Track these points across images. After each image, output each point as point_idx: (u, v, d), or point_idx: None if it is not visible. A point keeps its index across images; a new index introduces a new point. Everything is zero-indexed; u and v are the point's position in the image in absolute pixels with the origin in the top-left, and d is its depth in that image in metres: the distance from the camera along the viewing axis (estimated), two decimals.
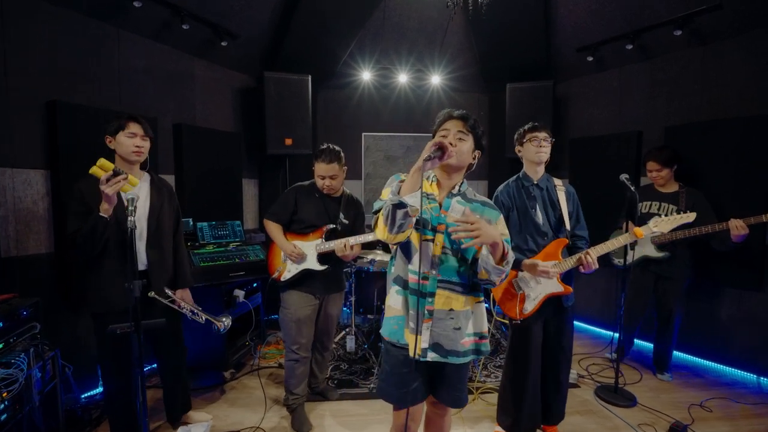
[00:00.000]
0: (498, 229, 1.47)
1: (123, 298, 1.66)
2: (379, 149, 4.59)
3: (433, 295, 1.46)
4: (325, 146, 2.31)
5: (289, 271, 2.33)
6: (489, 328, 1.57)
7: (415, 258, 1.48)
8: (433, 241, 1.47)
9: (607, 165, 3.59)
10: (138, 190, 1.98)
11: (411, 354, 1.45)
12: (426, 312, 1.46)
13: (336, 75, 4.24)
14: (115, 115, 2.04)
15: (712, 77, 3.07)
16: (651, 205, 2.93)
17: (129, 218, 1.58)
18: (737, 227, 2.46)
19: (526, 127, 2.19)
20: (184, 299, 2.14)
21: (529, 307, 2.10)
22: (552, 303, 2.13)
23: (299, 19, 3.54)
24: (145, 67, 3.02)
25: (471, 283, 1.51)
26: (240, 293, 2.92)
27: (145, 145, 2.00)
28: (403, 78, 4.31)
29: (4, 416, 1.71)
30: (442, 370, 1.55)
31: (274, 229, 2.37)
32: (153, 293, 2.04)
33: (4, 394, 1.66)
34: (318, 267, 2.32)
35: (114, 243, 1.90)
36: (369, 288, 3.37)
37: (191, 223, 3.16)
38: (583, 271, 2.07)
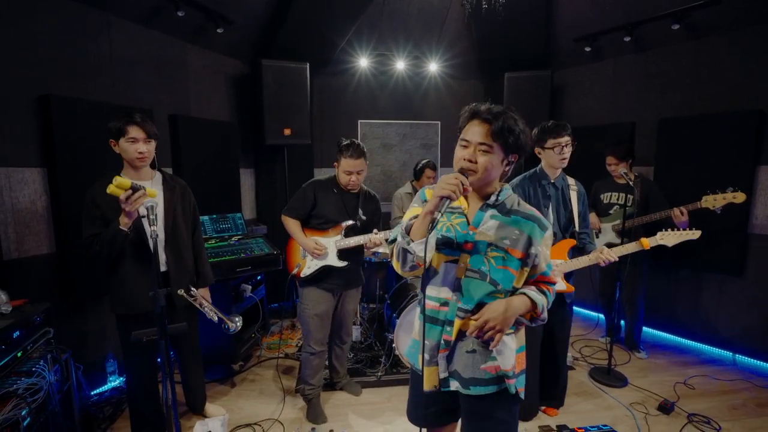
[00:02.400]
0: (540, 251, 1.25)
1: (146, 300, 1.67)
2: (376, 137, 4.56)
3: (451, 323, 1.27)
4: (349, 141, 2.27)
5: (308, 267, 2.33)
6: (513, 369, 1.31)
7: (435, 281, 1.30)
8: (457, 262, 1.27)
9: (601, 156, 3.69)
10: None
11: (425, 387, 1.30)
12: (443, 342, 1.28)
13: (333, 61, 4.14)
14: (116, 115, 1.90)
15: (705, 72, 3.16)
16: (611, 196, 3.19)
17: (151, 227, 1.56)
18: (678, 215, 2.70)
19: (547, 126, 2.14)
20: (204, 297, 2.15)
21: None
22: (555, 299, 2.22)
23: (297, 4, 3.42)
24: (138, 55, 2.88)
25: None
26: (247, 287, 2.94)
27: (149, 149, 1.92)
28: (400, 65, 4.25)
29: (27, 421, 1.72)
30: (466, 403, 1.32)
31: (292, 224, 2.35)
32: (182, 291, 2.06)
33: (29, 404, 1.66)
34: (338, 263, 2.33)
35: (133, 246, 1.88)
36: (372, 278, 3.44)
37: None
38: (603, 265, 2.15)
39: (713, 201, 2.61)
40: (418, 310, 1.39)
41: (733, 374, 2.93)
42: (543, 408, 2.49)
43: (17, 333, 1.76)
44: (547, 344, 2.34)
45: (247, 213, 4.03)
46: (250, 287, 2.95)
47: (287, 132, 3.60)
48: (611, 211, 3.19)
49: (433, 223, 1.15)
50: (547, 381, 2.43)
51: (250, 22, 3.45)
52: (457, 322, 1.27)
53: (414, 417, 1.47)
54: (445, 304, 1.29)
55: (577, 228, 2.25)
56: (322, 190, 2.35)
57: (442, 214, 1.16)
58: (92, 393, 2.58)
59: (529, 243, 1.26)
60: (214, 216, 3.20)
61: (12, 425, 1.60)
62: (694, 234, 2.25)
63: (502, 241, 1.24)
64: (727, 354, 3.20)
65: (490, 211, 1.28)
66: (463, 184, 1.16)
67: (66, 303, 2.46)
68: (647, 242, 2.23)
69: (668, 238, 2.25)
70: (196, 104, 3.41)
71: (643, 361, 3.14)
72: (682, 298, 3.43)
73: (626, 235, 3.00)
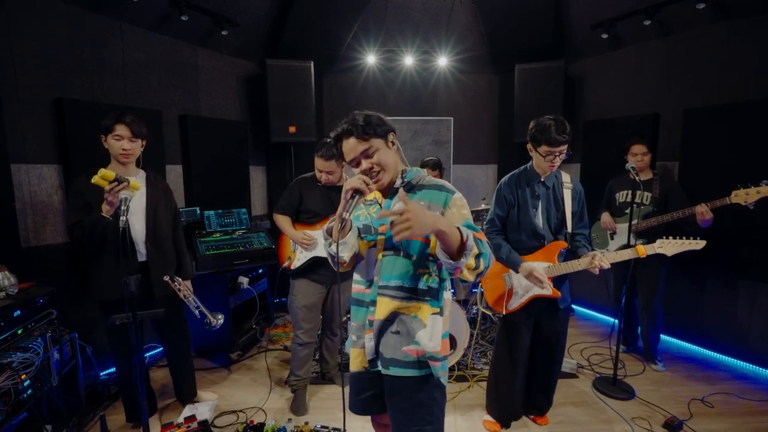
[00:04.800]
0: (449, 214, 1.25)
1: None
2: None
3: (374, 303, 1.31)
4: (326, 140, 2.32)
5: (298, 259, 2.43)
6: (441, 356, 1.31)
7: (361, 266, 1.39)
8: (376, 245, 1.34)
9: (622, 149, 3.42)
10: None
11: (353, 368, 1.36)
12: (368, 322, 1.33)
13: (341, 58, 4.18)
14: (108, 113, 2.03)
15: (736, 56, 2.83)
16: (627, 194, 2.94)
17: (121, 218, 1.66)
18: (702, 212, 2.44)
19: (545, 128, 1.92)
20: (188, 289, 2.25)
21: (515, 303, 2.09)
22: (547, 303, 2.10)
23: (299, 1, 3.49)
24: (149, 59, 3.08)
25: (423, 288, 1.28)
26: (244, 280, 3.04)
27: (133, 147, 2.03)
28: (408, 60, 4.20)
29: (28, 392, 1.90)
30: (388, 384, 1.33)
31: (283, 221, 2.47)
32: (167, 277, 2.19)
33: (23, 376, 1.84)
34: (326, 254, 2.38)
35: (113, 238, 2.00)
36: None
37: (198, 211, 3.28)
38: (595, 272, 1.98)
39: (745, 196, 2.32)
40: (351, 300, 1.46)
41: (765, 394, 2.60)
42: (532, 417, 2.36)
43: (18, 312, 1.94)
44: (540, 352, 2.22)
45: (258, 209, 4.18)
46: (247, 280, 3.05)
47: (292, 130, 3.69)
48: (627, 211, 2.95)
49: (343, 224, 1.19)
50: (537, 390, 2.30)
51: (255, 23, 3.57)
52: (380, 301, 1.30)
53: (350, 403, 1.45)
54: (369, 285, 1.35)
55: (569, 229, 2.10)
56: (306, 186, 2.46)
57: (350, 215, 1.21)
58: (102, 372, 2.80)
59: (436, 209, 1.27)
60: (220, 211, 3.34)
61: (7, 395, 1.77)
62: (698, 244, 2.02)
63: None
64: (762, 371, 2.85)
65: (399, 193, 1.32)
66: (366, 183, 1.22)
67: (79, 287, 2.69)
68: (643, 250, 2.05)
69: (667, 247, 2.04)
70: (208, 105, 3.59)
71: (659, 373, 2.87)
72: (710, 306, 3.10)
73: (641, 236, 2.80)
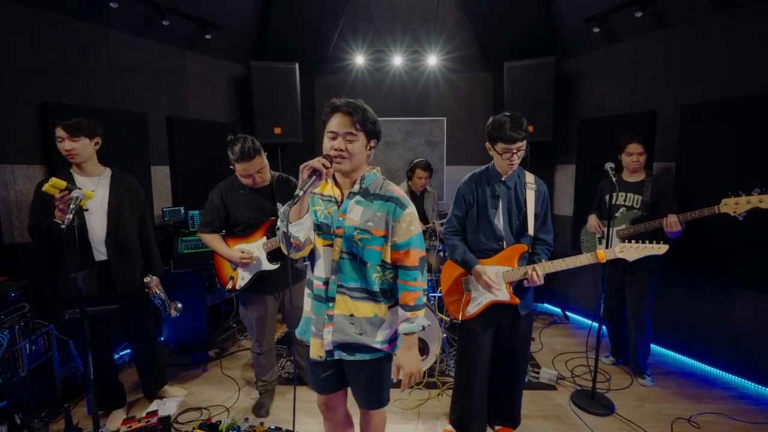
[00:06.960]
0: (398, 228, 1.41)
1: (87, 287, 1.79)
2: None
3: (333, 300, 1.45)
4: (235, 138, 2.10)
5: (242, 278, 2.23)
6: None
7: (318, 263, 1.48)
8: (332, 245, 1.43)
9: (615, 147, 3.23)
10: (96, 186, 2.13)
11: (312, 355, 1.49)
12: (326, 317, 1.45)
13: (329, 59, 4.18)
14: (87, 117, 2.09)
15: (737, 48, 2.61)
16: (617, 196, 2.74)
17: (67, 215, 1.70)
18: (671, 224, 2.32)
19: (498, 127, 1.86)
20: (156, 286, 2.30)
21: (472, 309, 2.01)
22: (506, 310, 2.02)
23: (279, 2, 3.50)
24: (136, 63, 3.18)
25: (378, 290, 1.45)
26: None
27: (75, 147, 2.03)
28: (398, 60, 4.14)
29: None
30: (353, 367, 1.51)
31: (211, 239, 2.25)
32: (149, 277, 2.28)
33: None
34: (271, 267, 2.24)
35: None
36: None
37: (182, 211, 3.36)
38: (527, 285, 1.93)
39: (734, 205, 2.14)
40: (306, 291, 1.57)
41: (764, 416, 2.38)
42: (498, 428, 2.26)
43: None
44: (502, 360, 2.12)
45: None
46: None
47: (277, 131, 3.71)
48: (617, 214, 2.77)
49: (294, 200, 1.25)
50: (500, 400, 2.20)
51: (241, 26, 3.62)
52: (339, 299, 1.44)
53: (312, 385, 1.62)
54: (326, 283, 1.45)
55: (530, 232, 2.00)
56: (229, 194, 2.22)
57: (304, 192, 1.26)
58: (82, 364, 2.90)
59: (389, 221, 1.41)
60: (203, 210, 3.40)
61: None
62: (660, 248, 1.92)
63: (367, 224, 1.39)
64: (763, 390, 2.61)
65: (356, 198, 1.42)
66: (324, 166, 1.28)
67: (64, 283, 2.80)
68: (603, 254, 1.94)
69: (629, 252, 1.92)
70: (196, 107, 3.67)
71: (646, 388, 2.69)
72: (707, 318, 2.88)
73: (630, 241, 2.63)
